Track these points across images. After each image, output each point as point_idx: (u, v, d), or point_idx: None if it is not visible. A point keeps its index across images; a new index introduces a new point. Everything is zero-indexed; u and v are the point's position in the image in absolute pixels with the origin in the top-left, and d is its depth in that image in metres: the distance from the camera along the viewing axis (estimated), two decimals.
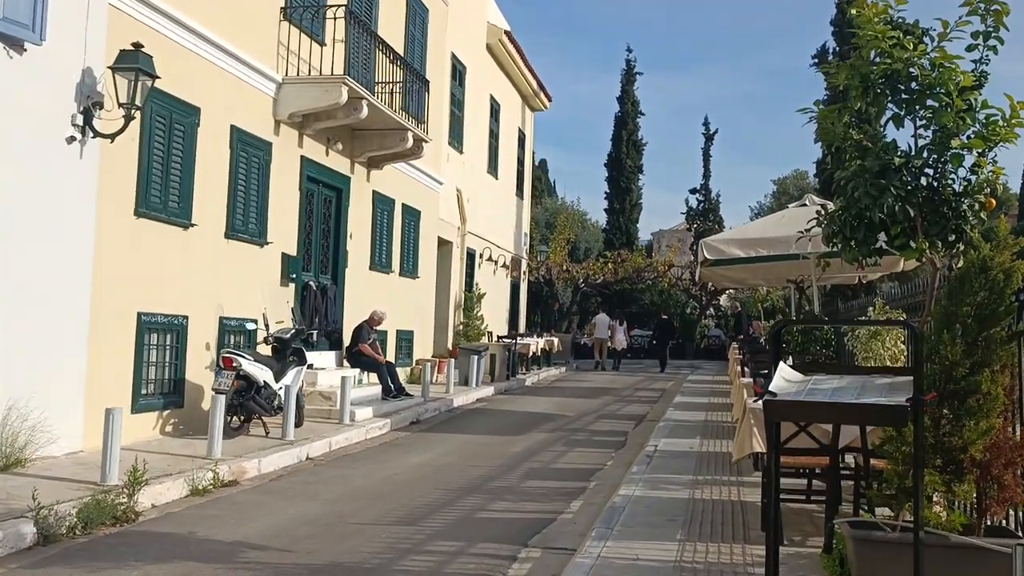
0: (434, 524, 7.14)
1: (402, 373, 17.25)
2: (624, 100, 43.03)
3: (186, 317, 10.62)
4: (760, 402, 4.95)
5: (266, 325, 11.35)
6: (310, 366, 13.00)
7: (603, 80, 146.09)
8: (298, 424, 11.34)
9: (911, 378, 4.19)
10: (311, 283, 13.80)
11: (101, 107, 8.88)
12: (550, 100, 30.26)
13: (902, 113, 5.40)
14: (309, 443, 10.46)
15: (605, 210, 44.00)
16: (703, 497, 7.56)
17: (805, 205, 13.53)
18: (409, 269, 17.99)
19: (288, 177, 13.05)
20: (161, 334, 10.27)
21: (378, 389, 14.29)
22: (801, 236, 6.39)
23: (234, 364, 10.13)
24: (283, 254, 12.88)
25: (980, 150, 5.13)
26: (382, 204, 16.51)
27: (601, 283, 37.89)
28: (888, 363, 7.71)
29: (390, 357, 16.87)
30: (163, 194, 10.10)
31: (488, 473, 9.58)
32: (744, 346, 17.16)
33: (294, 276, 13.12)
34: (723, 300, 42.93)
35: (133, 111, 8.86)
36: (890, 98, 5.36)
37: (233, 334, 11.66)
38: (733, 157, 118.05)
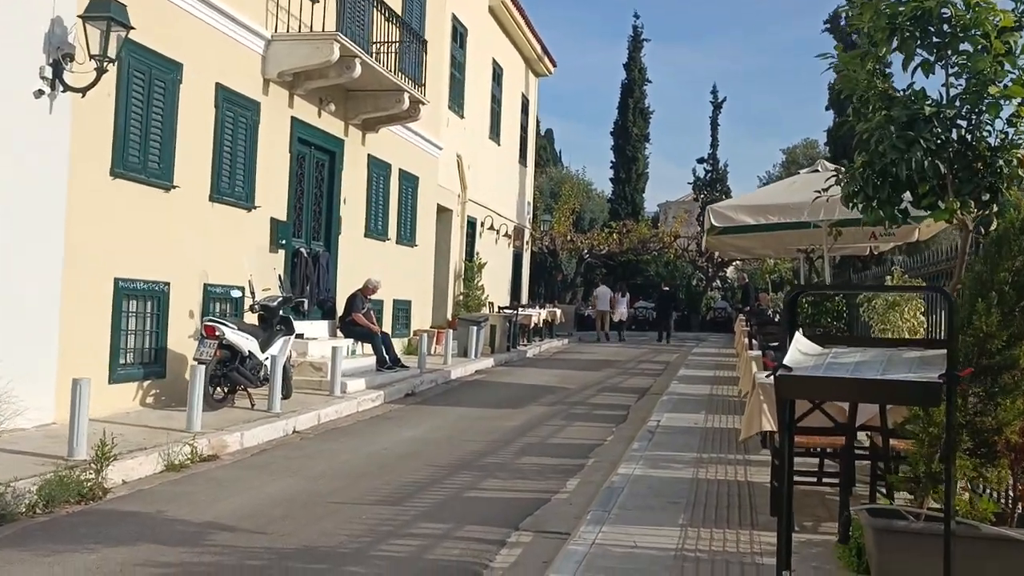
0: (420, 504, 6.70)
1: (399, 344, 16.80)
2: (631, 67, 42.26)
3: (168, 284, 10.15)
4: (771, 377, 4.48)
5: (252, 293, 10.88)
6: (300, 336, 12.59)
7: (610, 52, 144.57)
8: (286, 396, 10.90)
9: (944, 351, 3.70)
10: (302, 250, 13.32)
11: (72, 59, 8.36)
12: (555, 65, 29.57)
13: (932, 59, 4.86)
14: (296, 416, 10.03)
15: (611, 179, 43.40)
16: (708, 477, 7.10)
17: (817, 171, 13.00)
18: (406, 237, 17.49)
19: (278, 139, 12.53)
20: (141, 301, 9.81)
21: (372, 360, 13.84)
22: (817, 196, 5.87)
23: (217, 333, 9.67)
24: (272, 219, 12.39)
25: (1020, 99, 4.61)
26: (378, 168, 15.98)
27: (606, 254, 37.36)
28: (907, 335, 7.23)
29: (386, 327, 16.42)
30: (142, 154, 9.60)
31: (482, 448, 9.14)
32: (751, 318, 16.70)
33: (284, 242, 12.64)
34: (730, 272, 42.38)
35: (106, 64, 8.34)
36: (919, 42, 4.82)
37: (218, 302, 11.20)
38: (742, 131, 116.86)
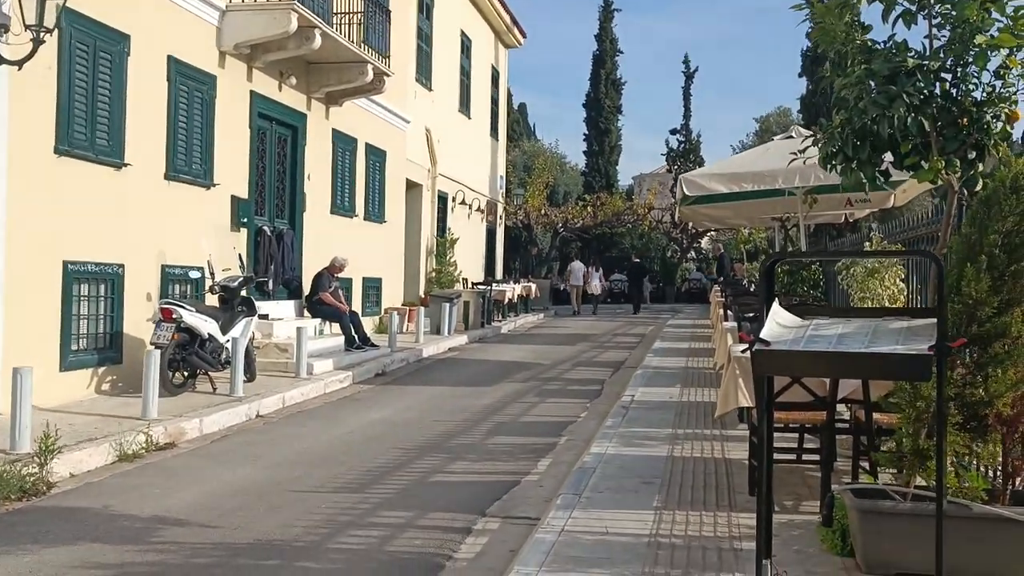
0: (384, 490, 6.39)
1: (369, 323, 16.46)
2: (602, 38, 41.81)
3: (122, 265, 9.74)
4: (747, 352, 4.20)
5: (211, 273, 10.48)
6: (264, 316, 12.24)
7: (582, 23, 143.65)
8: (250, 379, 10.56)
9: (932, 321, 3.42)
10: (265, 228, 12.91)
11: (7, 30, 7.89)
12: (524, 36, 29.08)
13: (914, 8, 4.55)
14: (259, 399, 9.68)
15: (584, 152, 43.06)
16: (683, 455, 6.83)
17: (791, 137, 12.71)
18: (375, 213, 17.09)
19: (236, 114, 12.09)
20: (93, 284, 9.40)
21: (341, 340, 13.48)
22: (794, 159, 5.53)
23: (174, 316, 9.30)
24: (233, 197, 11.97)
25: (1009, 48, 4.31)
26: (343, 143, 15.55)
27: (580, 227, 37.10)
28: (887, 304, 6.97)
29: (356, 306, 16.05)
30: (89, 131, 9.16)
31: (451, 429, 8.84)
32: (726, 288, 16.47)
33: (245, 220, 12.23)
34: (704, 242, 42.22)
35: (42, 34, 7.88)
36: None
37: (178, 283, 10.80)
38: (714, 99, 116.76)
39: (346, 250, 14.83)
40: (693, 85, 43.09)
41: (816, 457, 5.57)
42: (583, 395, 11.07)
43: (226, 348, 9.93)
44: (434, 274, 20.88)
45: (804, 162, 11.15)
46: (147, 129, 10.06)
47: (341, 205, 15.55)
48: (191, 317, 9.41)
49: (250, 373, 10.57)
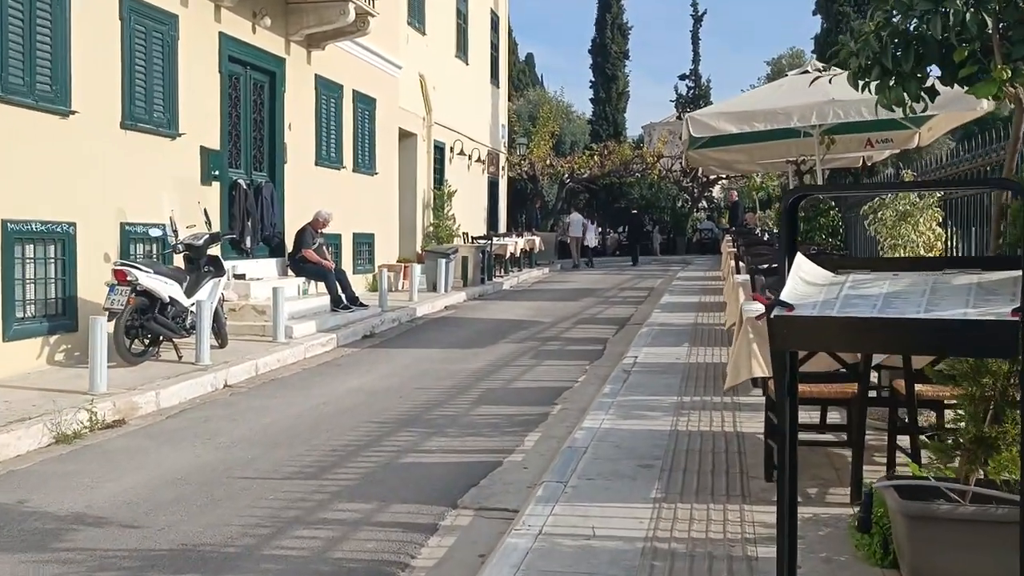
0: (345, 476, 5.58)
1: (362, 281, 15.65)
2: None
3: (73, 224, 8.90)
4: (763, 315, 3.33)
5: (174, 231, 9.63)
6: (241, 276, 11.45)
7: None
8: (222, 345, 9.79)
9: (1015, 274, 2.53)
10: (241, 181, 12.03)
11: None
12: None
13: None
14: (228, 367, 8.88)
15: (591, 100, 41.77)
16: (689, 428, 5.99)
17: (807, 71, 11.69)
18: (365, 164, 16.17)
19: (204, 57, 11.14)
20: (39, 245, 8.56)
21: (327, 301, 12.64)
22: (818, 76, 4.60)
23: (129, 278, 8.45)
24: (202, 148, 11.08)
25: None
26: (327, 90, 14.58)
27: (588, 178, 36.02)
28: (923, 252, 6.07)
29: (347, 264, 15.24)
30: (27, 74, 8.25)
31: (435, 398, 8.03)
32: (738, 238, 15.55)
33: (217, 173, 11.34)
34: (716, 191, 41.06)
35: None
36: None
37: (141, 243, 9.97)
38: (724, 46, 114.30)
39: (334, 204, 13.97)
40: (702, 29, 41.60)
41: (843, 434, 4.72)
42: (583, 356, 10.23)
43: (191, 312, 9.11)
44: (431, 228, 20.00)
45: (815, 111, 10.17)
46: (98, 74, 9.15)
47: (327, 156, 14.63)
48: (148, 279, 8.57)
49: (221, 339, 9.79)
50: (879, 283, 2.75)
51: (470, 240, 21.05)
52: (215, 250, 10.16)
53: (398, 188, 18.16)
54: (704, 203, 40.49)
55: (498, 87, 26.87)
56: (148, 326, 8.69)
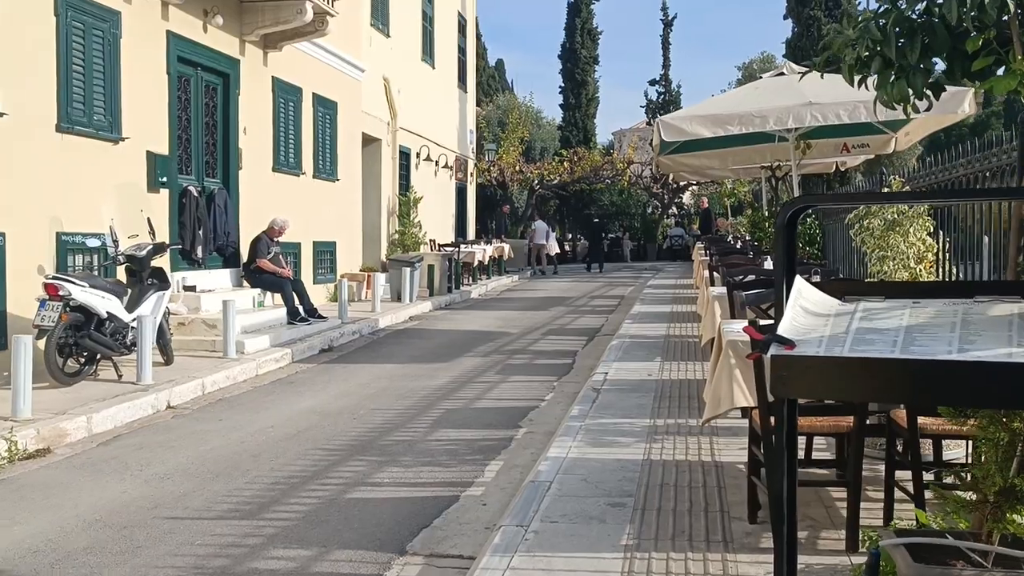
0: (285, 515, 5.04)
1: (323, 292, 15.07)
2: None
3: (2, 234, 8.27)
4: (754, 354, 2.86)
5: (114, 241, 9.02)
6: (191, 288, 10.85)
7: None
8: (167, 362, 9.20)
9: None
10: (191, 188, 11.42)
11: None
12: None
13: None
14: (172, 387, 8.29)
15: (560, 105, 41.43)
16: (663, 457, 5.50)
17: (783, 74, 11.32)
18: (326, 170, 15.59)
19: (150, 57, 10.55)
20: None
21: (283, 312, 12.06)
22: (807, 72, 4.13)
23: (62, 292, 7.85)
24: (149, 153, 10.48)
25: None
26: (285, 93, 14.01)
27: (557, 184, 35.60)
28: (913, 263, 5.63)
29: (306, 274, 14.66)
30: None
31: (392, 419, 7.49)
32: (710, 246, 15.15)
33: (165, 180, 10.74)
34: (686, 197, 40.79)
35: None
36: None
37: (80, 254, 9.35)
38: (693, 54, 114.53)
39: (293, 211, 13.41)
40: (672, 34, 41.35)
41: (832, 469, 4.24)
42: (551, 371, 9.74)
43: (132, 328, 8.51)
44: (397, 236, 19.44)
45: (791, 115, 9.75)
46: (29, 72, 8.55)
47: (285, 162, 14.05)
48: (83, 294, 7.96)
49: (166, 356, 9.21)
50: (896, 313, 2.27)
51: (437, 248, 20.53)
52: (161, 261, 9.56)
53: (362, 195, 17.58)
54: (674, 209, 40.22)
55: (466, 91, 26.37)
56: (83, 344, 8.08)
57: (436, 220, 22.41)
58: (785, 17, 27.43)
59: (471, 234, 26.75)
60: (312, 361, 10.78)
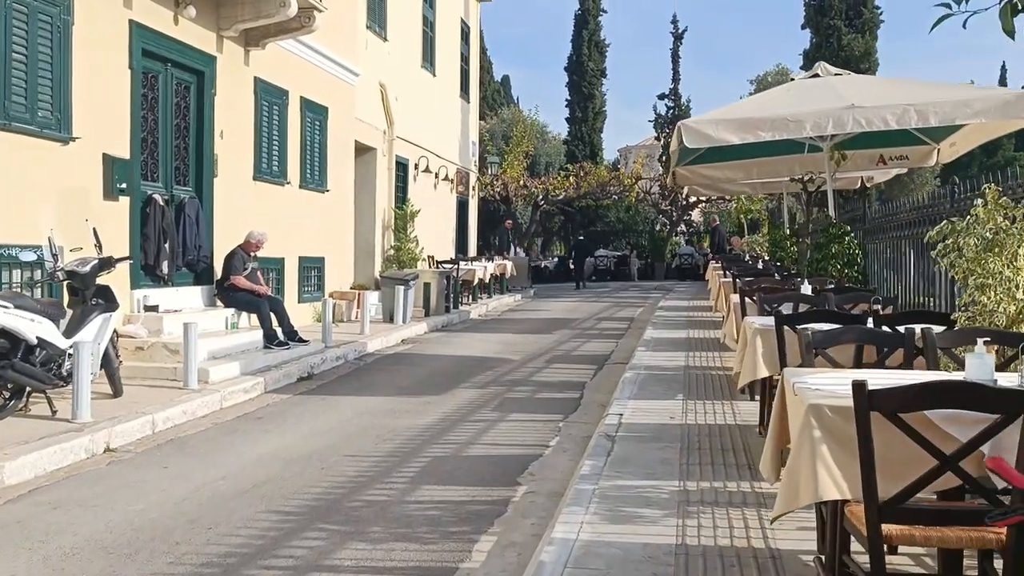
0: None
1: (310, 311, 13.87)
2: None
3: None
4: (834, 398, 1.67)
5: (54, 255, 7.82)
6: (153, 308, 9.68)
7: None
8: (115, 394, 8.03)
9: None
10: (157, 197, 10.25)
11: None
12: None
13: None
14: (114, 425, 7.09)
15: (566, 119, 40.41)
16: (702, 541, 4.27)
17: (818, 75, 10.17)
18: (315, 180, 14.44)
19: (109, 48, 9.41)
20: None
21: (260, 335, 10.86)
22: (947, 14, 2.94)
23: None
24: (106, 156, 9.33)
25: None
26: (269, 95, 12.86)
27: (563, 200, 34.50)
28: (1021, 293, 4.43)
29: (290, 292, 13.49)
30: None
31: (367, 470, 6.29)
32: (729, 266, 14.00)
33: (124, 186, 9.57)
34: (696, 215, 39.64)
35: None
36: None
37: (16, 269, 8.17)
38: (705, 68, 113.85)
39: (277, 224, 12.30)
40: (682, 47, 40.26)
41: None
42: (556, 408, 8.53)
43: (69, 355, 7.32)
44: (392, 252, 18.26)
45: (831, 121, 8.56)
46: None
47: (268, 170, 12.89)
48: (6, 316, 6.77)
49: (114, 387, 8.02)
50: None
51: (435, 264, 19.36)
52: (119, 278, 8.40)
53: (355, 207, 16.42)
54: (683, 227, 39.07)
55: (468, 102, 25.25)
56: (6, 375, 6.88)
57: (435, 235, 21.25)
58: (803, 27, 26.33)
59: (472, 250, 25.59)
60: (287, 391, 9.58)
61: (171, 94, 10.70)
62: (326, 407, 8.76)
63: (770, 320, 5.85)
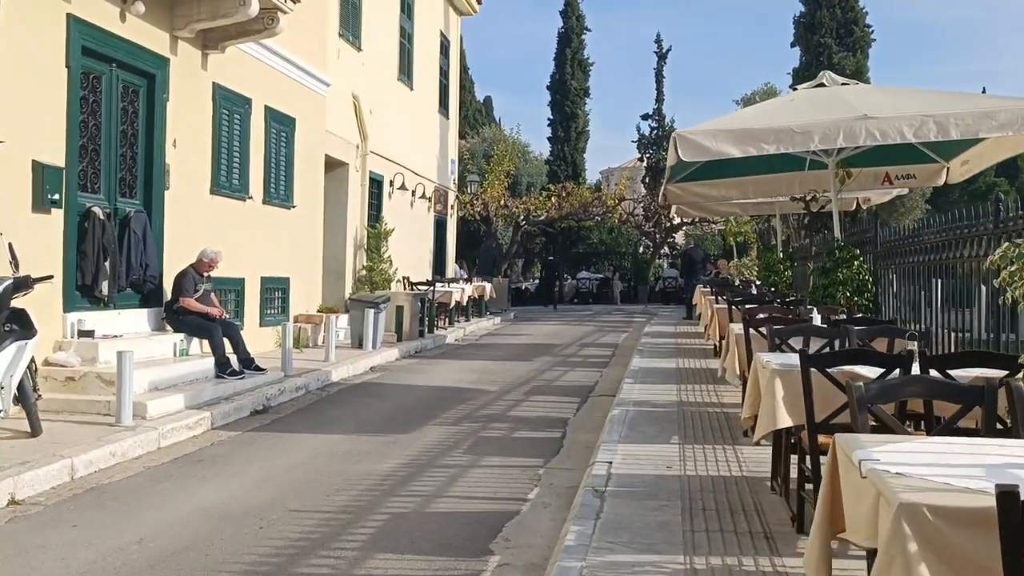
0: None
1: (273, 336, 12.87)
2: (568, 14, 38.38)
3: None
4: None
5: None
6: (89, 333, 8.70)
7: (548, 19, 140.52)
8: (33, 433, 7.02)
9: None
10: (97, 210, 9.27)
11: None
12: (480, 2, 25.54)
13: None
14: (22, 472, 6.10)
15: (548, 138, 39.61)
16: None
17: (823, 84, 9.36)
18: (280, 195, 13.49)
19: (40, 44, 8.47)
20: None
21: (211, 363, 9.89)
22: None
23: None
24: (36, 163, 8.36)
25: None
26: (230, 103, 11.93)
27: (544, 220, 33.63)
28: None
29: (251, 315, 12.54)
30: None
31: (313, 530, 5.33)
32: (723, 292, 13.16)
33: (57, 198, 8.58)
34: (679, 237, 38.91)
35: None
36: None
37: None
38: (687, 94, 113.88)
39: (238, 241, 11.42)
40: (666, 67, 39.61)
41: None
42: (536, 450, 7.61)
43: None
44: (365, 272, 17.30)
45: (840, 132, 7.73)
46: None
47: (227, 184, 11.94)
48: None
49: (32, 425, 7.02)
50: None
51: (410, 286, 18.43)
52: (47, 299, 7.41)
53: (324, 225, 15.47)
54: (667, 249, 38.31)
55: (448, 118, 24.39)
56: None
57: (411, 256, 20.31)
58: (793, 45, 25.67)
59: (450, 271, 24.65)
60: (238, 427, 8.60)
61: (117, 98, 9.75)
62: (278, 447, 7.79)
63: (789, 359, 4.98)
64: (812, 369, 4.19)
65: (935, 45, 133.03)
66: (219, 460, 7.30)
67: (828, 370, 4.22)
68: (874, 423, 3.38)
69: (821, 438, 4.29)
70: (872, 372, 4.44)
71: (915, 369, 4.16)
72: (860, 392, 3.05)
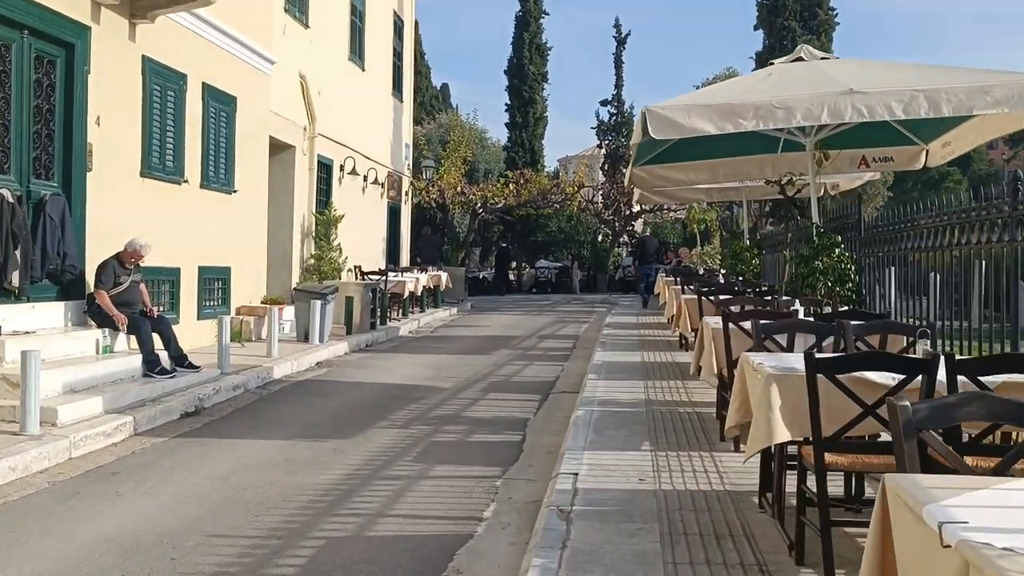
0: None
1: (211, 330, 11.98)
2: None
3: None
4: None
5: None
6: (0, 328, 7.79)
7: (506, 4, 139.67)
8: None
9: None
10: (5, 193, 8.35)
11: None
12: None
13: None
14: None
15: (506, 124, 38.77)
16: None
17: (801, 59, 8.72)
18: (219, 179, 12.58)
19: None
20: None
21: (139, 361, 9.03)
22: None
23: None
24: None
25: None
26: (162, 79, 11.01)
27: (502, 208, 32.84)
28: None
29: (188, 307, 11.67)
30: None
31: (233, 562, 4.57)
32: (689, 281, 12.55)
33: None
34: (639, 225, 38.35)
35: None
36: None
37: None
38: (647, 80, 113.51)
39: (173, 228, 10.57)
40: (625, 52, 38.88)
41: None
42: (493, 457, 6.89)
43: None
44: (313, 261, 16.44)
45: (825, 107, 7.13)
46: None
47: (160, 165, 11.03)
48: None
49: None
50: None
51: (361, 275, 17.60)
52: None
53: (268, 211, 14.58)
54: (626, 238, 37.74)
55: (402, 101, 23.52)
56: None
57: (363, 244, 19.47)
58: (756, 28, 25.12)
59: (404, 260, 23.82)
60: (164, 432, 7.78)
61: (28, 68, 8.82)
62: (205, 456, 6.99)
63: (783, 361, 4.31)
64: (819, 375, 3.51)
65: (884, 35, 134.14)
66: (137, 472, 6.49)
67: (838, 376, 3.54)
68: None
69: (829, 456, 3.62)
70: (883, 378, 3.80)
71: (940, 375, 3.51)
72: (907, 415, 2.36)
